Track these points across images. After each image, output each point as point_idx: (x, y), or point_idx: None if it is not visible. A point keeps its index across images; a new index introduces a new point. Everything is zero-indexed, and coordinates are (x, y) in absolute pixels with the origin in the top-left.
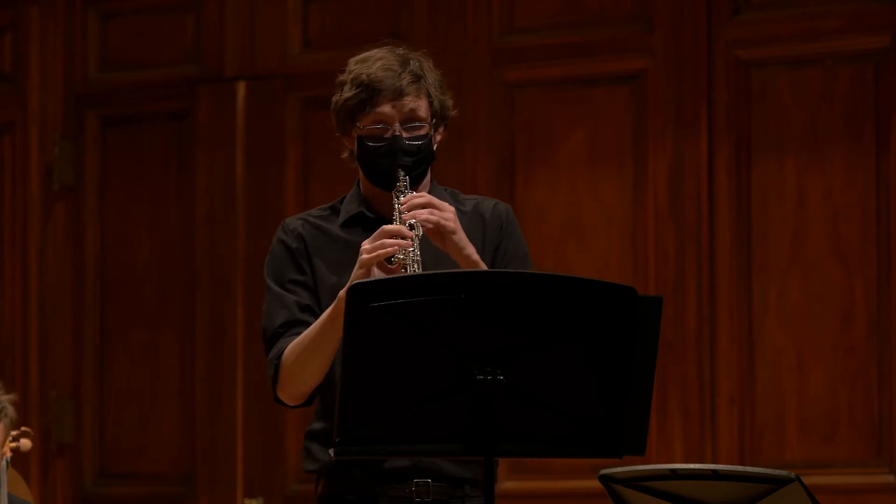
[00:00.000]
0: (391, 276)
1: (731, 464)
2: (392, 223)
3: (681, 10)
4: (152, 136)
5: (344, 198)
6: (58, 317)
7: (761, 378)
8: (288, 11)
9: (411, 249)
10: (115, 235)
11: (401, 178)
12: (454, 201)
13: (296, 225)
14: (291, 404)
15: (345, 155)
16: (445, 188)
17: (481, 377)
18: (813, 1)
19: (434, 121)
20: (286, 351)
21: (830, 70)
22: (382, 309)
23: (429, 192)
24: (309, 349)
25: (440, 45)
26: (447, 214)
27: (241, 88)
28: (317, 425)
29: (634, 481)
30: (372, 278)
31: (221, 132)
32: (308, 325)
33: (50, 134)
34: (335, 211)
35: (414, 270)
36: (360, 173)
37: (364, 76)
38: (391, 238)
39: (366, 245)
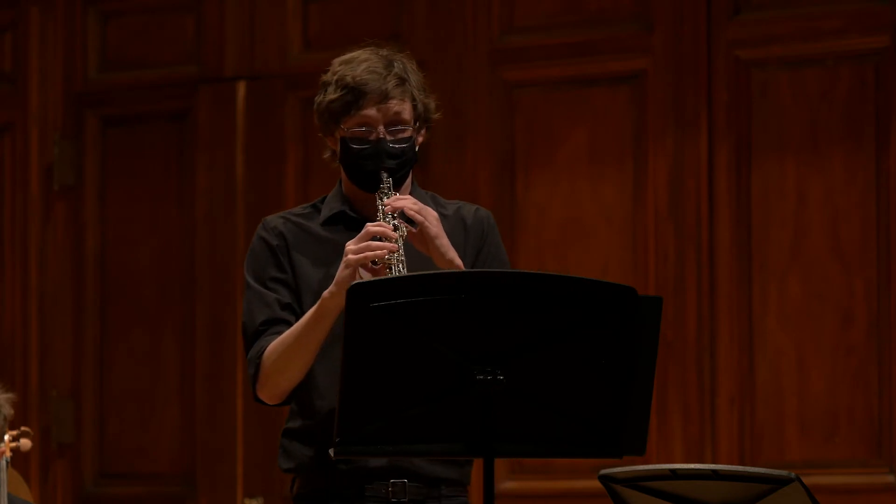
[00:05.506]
0: (391, 276)
1: (731, 464)
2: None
3: (681, 10)
4: (152, 136)
5: (325, 197)
6: (58, 317)
7: (761, 378)
8: (288, 11)
9: (396, 252)
10: (115, 235)
11: (384, 178)
12: (435, 205)
13: (276, 223)
14: (271, 403)
15: (326, 155)
16: (426, 192)
17: (481, 377)
18: (813, 1)
19: (417, 123)
20: (267, 350)
21: (830, 70)
22: (382, 309)
23: (410, 195)
24: (291, 349)
25: (440, 45)
26: (430, 219)
27: (241, 88)
28: (292, 424)
29: (634, 481)
30: (369, 279)
31: (221, 132)
32: (289, 323)
33: (50, 134)
34: (316, 209)
35: (399, 271)
36: (343, 173)
37: (349, 78)
38: (376, 238)
39: (351, 245)
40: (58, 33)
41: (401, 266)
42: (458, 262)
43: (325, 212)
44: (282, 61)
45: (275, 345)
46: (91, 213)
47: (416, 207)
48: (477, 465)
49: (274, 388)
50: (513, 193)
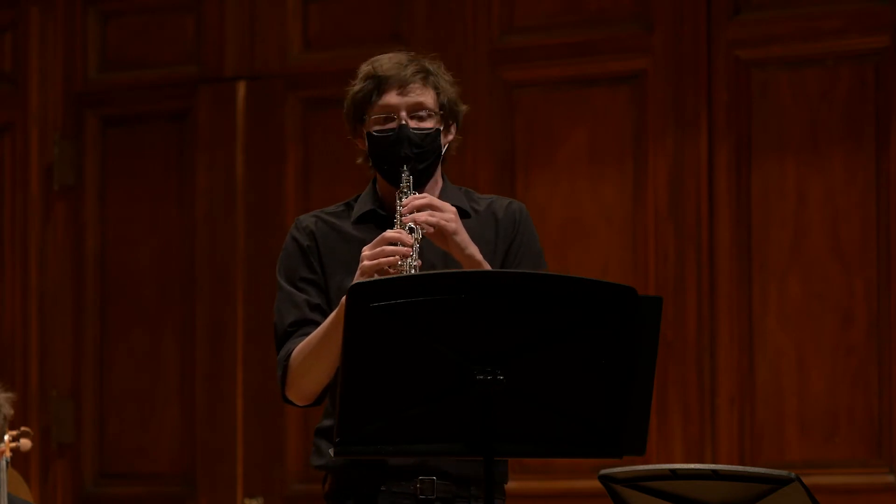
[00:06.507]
0: (391, 276)
1: (731, 464)
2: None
3: (681, 10)
4: (152, 136)
5: (360, 195)
6: (58, 317)
7: (761, 378)
8: (288, 11)
9: (410, 256)
10: (115, 235)
11: (404, 178)
12: (469, 201)
13: (308, 222)
14: (300, 404)
15: (360, 160)
16: (460, 188)
17: (481, 377)
18: (813, 1)
19: (442, 113)
20: (294, 352)
21: (830, 70)
22: (382, 309)
23: (441, 192)
24: (315, 351)
25: (440, 45)
26: (448, 215)
27: (241, 88)
28: (326, 422)
29: (634, 481)
30: (372, 279)
31: (221, 132)
32: (317, 324)
33: (50, 134)
34: (350, 208)
35: None
36: (376, 172)
37: (371, 69)
38: (392, 244)
39: (366, 252)
40: (58, 33)
41: (413, 272)
42: (479, 257)
43: (357, 211)
44: (282, 61)
45: (301, 347)
46: (91, 213)
47: (424, 216)
48: None
49: (300, 390)
50: (513, 193)
